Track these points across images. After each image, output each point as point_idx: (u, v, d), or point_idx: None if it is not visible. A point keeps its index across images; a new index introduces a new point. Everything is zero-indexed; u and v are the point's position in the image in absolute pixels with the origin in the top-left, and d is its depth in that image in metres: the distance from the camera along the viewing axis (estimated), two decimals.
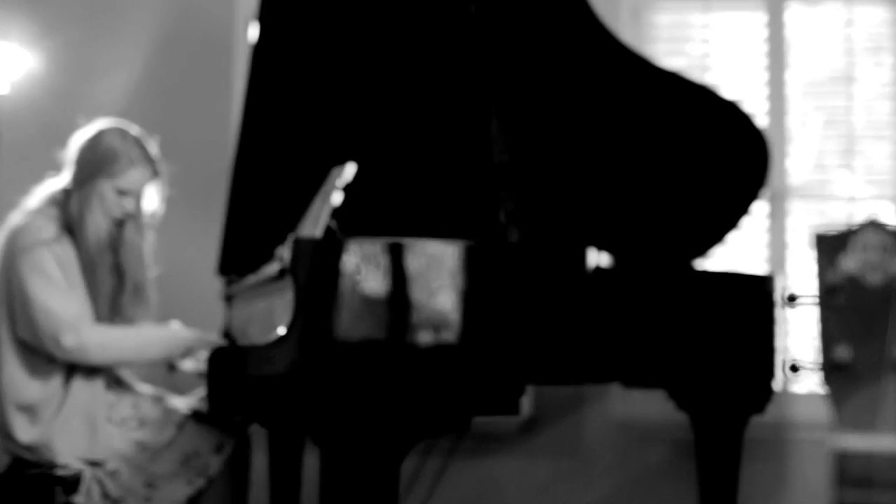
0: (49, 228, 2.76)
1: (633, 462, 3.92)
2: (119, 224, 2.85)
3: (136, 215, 2.88)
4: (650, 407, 3.85)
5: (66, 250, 2.76)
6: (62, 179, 2.87)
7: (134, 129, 2.88)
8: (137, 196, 2.86)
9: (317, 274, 2.30)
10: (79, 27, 4.06)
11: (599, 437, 3.93)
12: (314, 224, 2.53)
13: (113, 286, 2.84)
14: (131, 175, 2.82)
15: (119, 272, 2.85)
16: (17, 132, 3.91)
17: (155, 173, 2.88)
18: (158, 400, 2.87)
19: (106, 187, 2.80)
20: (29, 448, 2.71)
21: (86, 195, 2.78)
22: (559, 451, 3.93)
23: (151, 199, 2.91)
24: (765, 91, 3.94)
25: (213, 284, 3.47)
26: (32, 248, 2.72)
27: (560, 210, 3.10)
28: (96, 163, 2.79)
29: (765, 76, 3.95)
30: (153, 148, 2.89)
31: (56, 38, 4.02)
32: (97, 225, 2.79)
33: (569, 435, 3.93)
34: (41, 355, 2.73)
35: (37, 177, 2.92)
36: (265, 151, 3.18)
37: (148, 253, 2.93)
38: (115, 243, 2.86)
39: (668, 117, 3.07)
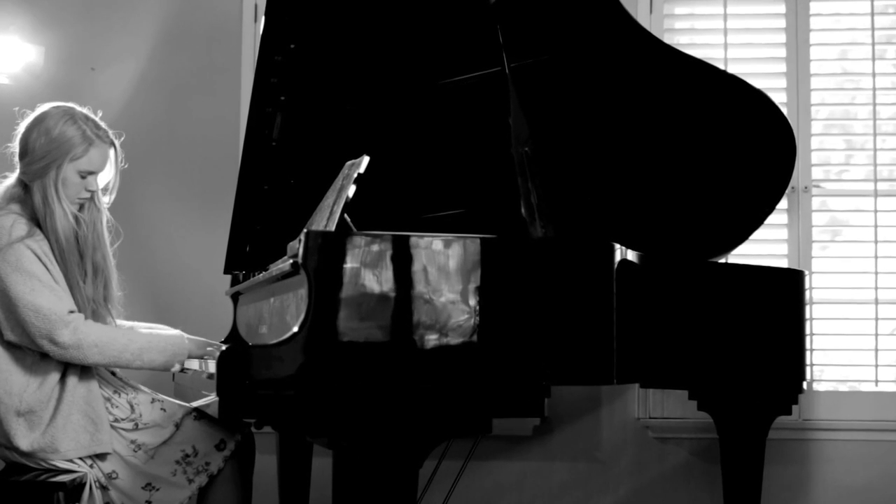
0: (20, 225, 2.67)
1: (652, 464, 3.88)
2: (80, 206, 2.78)
3: (97, 190, 2.80)
4: (669, 407, 3.84)
5: (42, 245, 2.68)
6: (14, 175, 2.78)
7: (77, 106, 2.79)
8: (99, 172, 2.78)
9: (330, 269, 2.25)
10: (80, 19, 4.02)
11: (617, 438, 3.90)
12: (327, 218, 2.50)
13: (79, 271, 2.76)
14: (92, 155, 2.74)
15: (80, 255, 2.77)
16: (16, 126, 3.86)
17: (112, 145, 2.79)
18: (156, 400, 2.79)
19: (69, 172, 2.71)
20: (30, 454, 2.64)
21: (47, 184, 2.70)
22: (575, 453, 3.89)
23: (107, 172, 2.82)
24: (783, 83, 3.87)
25: (222, 282, 3.41)
26: (8, 247, 2.63)
27: (585, 204, 3.07)
28: (54, 149, 2.70)
29: (783, 68, 3.88)
30: (100, 121, 2.80)
31: (57, 30, 3.98)
32: (65, 213, 2.71)
33: (585, 436, 3.90)
34: (31, 355, 2.66)
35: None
36: (275, 145, 3.13)
37: (106, 231, 2.83)
38: (76, 226, 2.78)
39: (696, 107, 3.03)
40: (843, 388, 3.86)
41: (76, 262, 2.73)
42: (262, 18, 3.04)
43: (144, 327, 2.94)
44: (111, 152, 2.80)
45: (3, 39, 3.83)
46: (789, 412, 3.01)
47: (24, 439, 2.63)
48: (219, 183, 3.83)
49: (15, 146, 2.77)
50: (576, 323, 2.39)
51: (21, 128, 2.77)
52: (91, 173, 2.75)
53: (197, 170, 3.97)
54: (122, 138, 2.83)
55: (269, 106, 3.07)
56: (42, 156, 2.70)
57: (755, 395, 2.94)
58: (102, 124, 2.79)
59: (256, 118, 3.08)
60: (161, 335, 2.77)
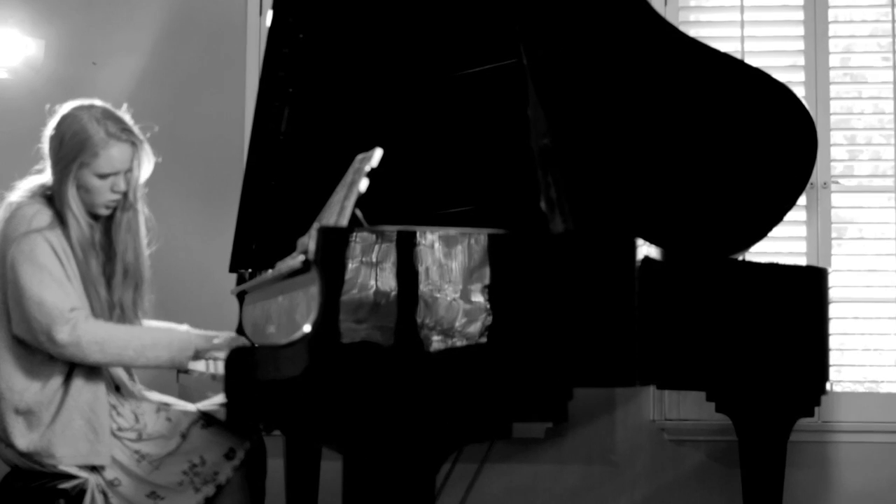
0: (42, 216, 2.64)
1: (668, 467, 3.84)
2: (112, 208, 2.73)
3: (130, 189, 2.71)
4: (685, 409, 3.82)
5: (61, 240, 2.65)
6: (45, 175, 2.73)
7: (98, 102, 2.70)
8: (127, 171, 2.68)
9: (344, 266, 2.19)
10: (81, 12, 3.99)
11: (631, 440, 3.86)
12: (338, 213, 2.46)
13: (105, 269, 2.73)
14: (109, 154, 2.66)
15: (111, 253, 2.73)
16: (16, 121, 3.82)
17: (135, 141, 2.70)
18: (162, 408, 2.74)
19: (87, 178, 2.64)
20: (27, 455, 2.60)
21: (63, 195, 2.64)
22: (589, 456, 3.86)
23: (144, 167, 2.73)
24: (801, 76, 3.82)
25: (227, 281, 3.37)
26: (25, 235, 2.60)
27: (605, 198, 3.01)
28: (68, 155, 2.64)
29: (802, 60, 3.83)
30: (124, 114, 2.72)
31: (57, 24, 3.95)
32: (78, 224, 2.66)
33: (599, 438, 3.86)
34: (39, 354, 2.62)
35: (34, 166, 2.80)
36: (282, 140, 3.10)
37: (143, 230, 2.78)
38: (107, 224, 2.74)
39: (718, 100, 2.99)
40: (862, 388, 3.82)
41: (97, 257, 2.69)
42: (269, 12, 3.02)
43: (153, 324, 2.90)
44: (131, 149, 2.70)
45: (3, 33, 3.81)
46: (811, 414, 2.98)
47: (22, 439, 2.59)
48: (224, 179, 3.82)
49: (42, 150, 2.74)
50: (597, 321, 2.33)
51: (46, 132, 2.72)
52: (112, 174, 2.66)
53: (201, 166, 3.95)
54: (150, 134, 2.75)
55: (276, 100, 3.04)
56: (56, 162, 2.66)
57: (777, 397, 2.90)
58: (124, 119, 2.70)
59: (263, 112, 3.05)
60: (165, 330, 2.73)
